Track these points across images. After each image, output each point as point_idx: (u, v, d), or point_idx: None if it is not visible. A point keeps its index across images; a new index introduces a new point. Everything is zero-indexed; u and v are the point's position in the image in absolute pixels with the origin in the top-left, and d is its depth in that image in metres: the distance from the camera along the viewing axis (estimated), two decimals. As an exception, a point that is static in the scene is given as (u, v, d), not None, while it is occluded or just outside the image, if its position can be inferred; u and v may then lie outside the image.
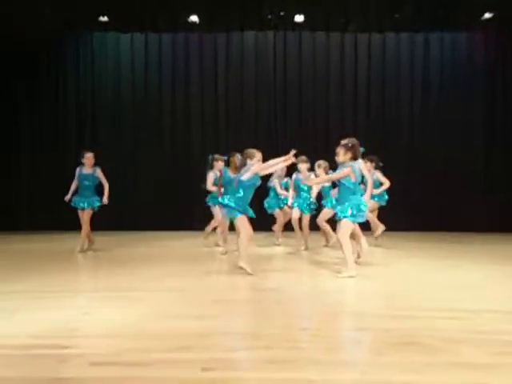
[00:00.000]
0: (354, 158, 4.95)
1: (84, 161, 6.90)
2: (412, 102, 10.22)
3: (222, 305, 3.86)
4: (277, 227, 7.58)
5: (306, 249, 6.93)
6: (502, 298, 4.02)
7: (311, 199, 6.82)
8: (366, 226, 7.08)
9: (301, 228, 6.96)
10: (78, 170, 6.95)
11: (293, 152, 5.06)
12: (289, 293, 4.22)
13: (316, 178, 6.30)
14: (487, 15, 9.56)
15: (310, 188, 6.80)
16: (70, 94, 10.33)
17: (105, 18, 9.82)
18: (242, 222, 5.02)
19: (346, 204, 4.89)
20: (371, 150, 10.09)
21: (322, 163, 6.62)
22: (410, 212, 9.78)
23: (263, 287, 4.44)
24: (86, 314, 3.42)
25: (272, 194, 7.46)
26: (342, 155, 4.98)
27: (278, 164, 5.19)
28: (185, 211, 9.80)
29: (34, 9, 9.09)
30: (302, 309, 3.72)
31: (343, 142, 5.07)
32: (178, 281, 4.67)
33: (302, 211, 6.87)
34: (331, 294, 4.39)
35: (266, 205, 7.47)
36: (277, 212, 7.47)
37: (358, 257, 5.73)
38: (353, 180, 4.91)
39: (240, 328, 3.19)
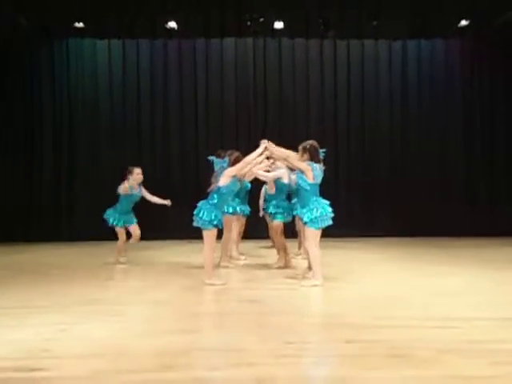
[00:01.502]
0: (311, 160, 4.86)
1: (134, 177, 6.41)
2: (391, 107, 10.26)
3: (204, 318, 3.73)
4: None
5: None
6: (491, 305, 3.97)
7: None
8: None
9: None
10: (128, 186, 6.40)
11: (264, 141, 5.05)
12: (271, 304, 4.09)
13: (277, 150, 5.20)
14: (463, 22, 9.68)
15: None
16: (44, 99, 10.04)
17: (81, 24, 9.59)
18: (211, 236, 4.81)
19: (306, 208, 4.78)
20: (350, 155, 10.24)
21: None
22: (391, 218, 9.80)
23: (244, 299, 4.29)
24: (60, 332, 3.22)
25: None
26: (299, 156, 4.93)
27: (255, 160, 5.05)
28: (164, 220, 9.59)
29: (8, 12, 8.82)
30: (286, 321, 3.58)
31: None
32: (158, 294, 4.49)
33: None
34: (314, 304, 4.30)
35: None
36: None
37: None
38: (310, 180, 4.78)
39: (223, 343, 3.05)
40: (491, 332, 3.18)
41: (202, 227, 4.81)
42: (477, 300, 4.15)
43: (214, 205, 4.82)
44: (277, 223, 5.81)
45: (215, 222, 4.78)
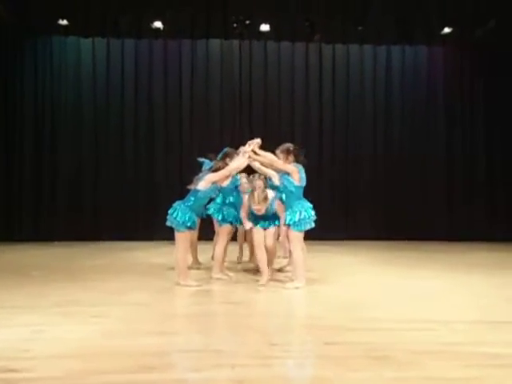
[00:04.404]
0: (296, 161, 4.90)
1: None
2: (375, 109, 10.35)
3: (184, 320, 3.71)
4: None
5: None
6: (468, 308, 4.04)
7: None
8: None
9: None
10: None
11: (252, 142, 5.00)
12: (253, 306, 4.10)
13: (262, 157, 5.12)
14: (446, 30, 9.84)
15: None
16: (26, 97, 9.87)
17: (65, 22, 9.48)
18: (183, 238, 4.79)
19: (289, 210, 4.80)
20: (335, 158, 10.33)
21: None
22: (375, 221, 9.90)
23: (227, 301, 4.30)
24: (38, 332, 3.19)
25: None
26: (283, 160, 4.90)
27: (239, 166, 5.01)
28: (147, 221, 9.53)
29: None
30: (270, 323, 3.60)
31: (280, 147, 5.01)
32: (140, 295, 4.46)
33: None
34: (296, 306, 4.32)
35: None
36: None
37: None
38: (296, 183, 4.80)
39: (205, 345, 3.04)
40: (467, 335, 3.24)
41: (174, 228, 4.81)
42: (454, 303, 4.22)
43: (189, 207, 4.80)
44: None
45: (188, 224, 4.76)
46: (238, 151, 5.24)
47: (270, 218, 5.12)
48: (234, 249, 6.34)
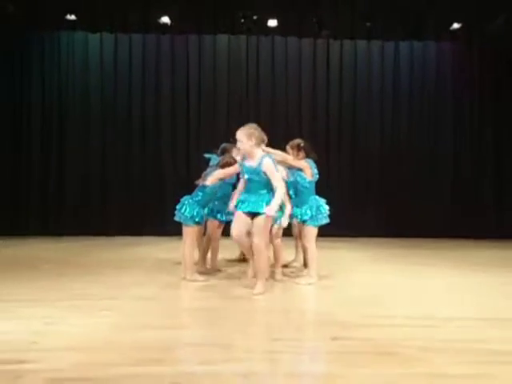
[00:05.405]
0: (307, 157, 4.90)
1: None
2: (382, 106, 10.29)
3: (191, 314, 3.73)
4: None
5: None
6: (473, 305, 4.03)
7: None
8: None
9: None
10: None
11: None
12: (258, 301, 4.10)
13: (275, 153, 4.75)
14: (455, 25, 9.76)
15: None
16: (34, 94, 9.92)
17: (72, 17, 9.50)
18: (191, 233, 4.80)
19: (305, 206, 4.81)
20: (341, 154, 10.32)
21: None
22: (381, 218, 9.86)
23: (232, 296, 4.31)
24: (47, 325, 3.22)
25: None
26: (294, 156, 4.90)
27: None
28: (154, 215, 9.57)
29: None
30: (274, 318, 3.61)
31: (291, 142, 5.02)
32: (146, 289, 4.48)
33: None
34: (302, 302, 4.32)
35: None
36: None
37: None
38: (308, 178, 4.82)
39: (210, 339, 3.05)
40: (469, 332, 3.23)
41: (183, 223, 4.83)
42: (461, 300, 4.21)
43: (197, 202, 4.83)
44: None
45: (197, 219, 4.79)
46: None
47: (260, 195, 4.20)
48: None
